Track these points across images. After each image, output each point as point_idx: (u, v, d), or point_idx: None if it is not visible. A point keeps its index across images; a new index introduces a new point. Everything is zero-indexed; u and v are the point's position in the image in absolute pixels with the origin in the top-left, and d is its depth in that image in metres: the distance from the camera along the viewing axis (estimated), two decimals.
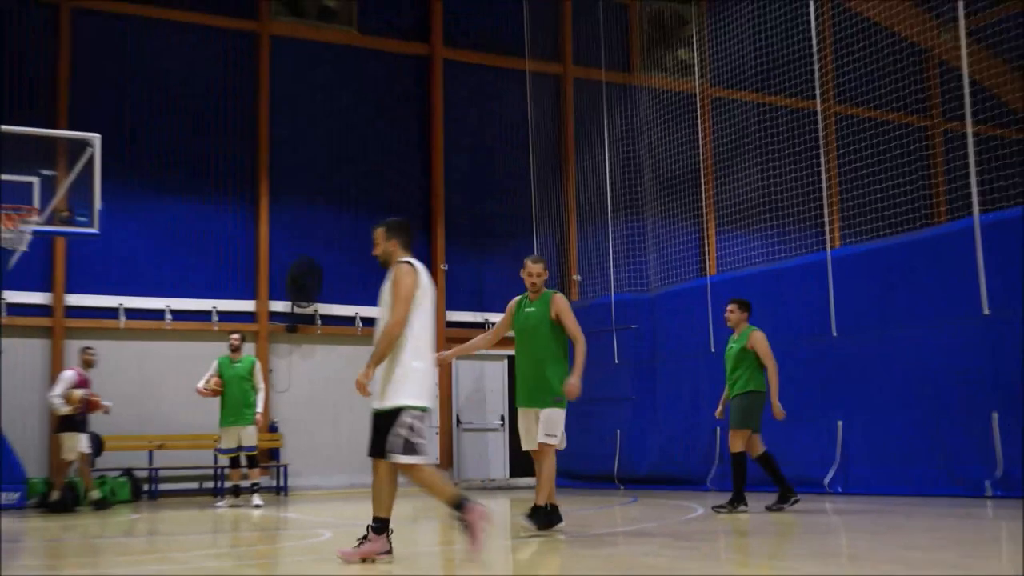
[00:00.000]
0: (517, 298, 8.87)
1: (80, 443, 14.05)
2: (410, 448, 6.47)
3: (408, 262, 6.79)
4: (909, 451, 12.74)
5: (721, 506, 10.77)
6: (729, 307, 11.09)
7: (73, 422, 14.05)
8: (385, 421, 6.56)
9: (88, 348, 14.73)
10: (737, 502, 10.63)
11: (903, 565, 6.18)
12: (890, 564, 6.29)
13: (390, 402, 6.56)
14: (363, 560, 6.57)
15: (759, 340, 10.76)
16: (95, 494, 14.17)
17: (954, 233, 12.86)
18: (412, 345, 6.61)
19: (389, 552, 6.66)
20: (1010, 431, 11.70)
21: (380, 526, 6.65)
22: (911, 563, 6.27)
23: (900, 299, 13.17)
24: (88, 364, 14.42)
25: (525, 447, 8.67)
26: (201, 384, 14.26)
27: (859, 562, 6.65)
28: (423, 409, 6.60)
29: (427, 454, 6.57)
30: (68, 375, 14.12)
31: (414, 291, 6.64)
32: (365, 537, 6.64)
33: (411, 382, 6.57)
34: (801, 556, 7.12)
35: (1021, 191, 13.95)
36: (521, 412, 8.66)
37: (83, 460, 14.24)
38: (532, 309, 8.65)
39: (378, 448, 6.57)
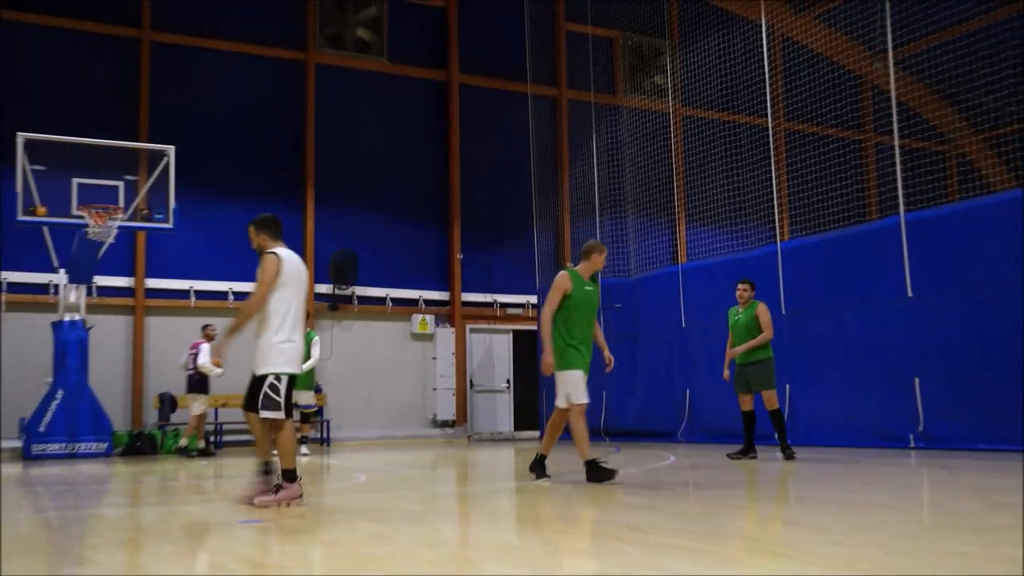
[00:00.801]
0: (567, 273, 8.06)
1: (204, 402, 14.26)
2: (272, 405, 6.44)
3: (274, 252, 6.64)
4: (846, 410, 12.73)
5: (740, 453, 10.49)
6: (743, 286, 10.71)
7: (202, 384, 14.13)
8: (257, 384, 6.53)
9: (209, 325, 14.68)
10: (787, 448, 10.26)
11: (838, 505, 6.15)
12: (829, 504, 6.26)
13: (260, 370, 6.52)
14: (278, 505, 6.35)
15: (764, 311, 10.49)
16: (183, 441, 14.27)
17: (883, 228, 12.80)
18: (276, 323, 6.52)
19: (301, 496, 6.49)
20: (929, 393, 11.69)
21: (290, 475, 6.50)
22: (846, 504, 6.24)
23: (839, 283, 13.13)
24: (209, 338, 14.39)
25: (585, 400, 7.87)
26: None
27: (805, 503, 6.62)
28: (288, 375, 6.53)
29: (286, 411, 6.49)
30: (206, 346, 14.13)
31: (275, 277, 6.52)
32: (279, 486, 6.47)
33: (276, 353, 6.50)
34: (756, 498, 7.09)
35: (939, 193, 13.88)
36: (582, 376, 7.88)
37: (202, 417, 14.41)
38: (592, 288, 8.09)
39: (251, 404, 6.58)
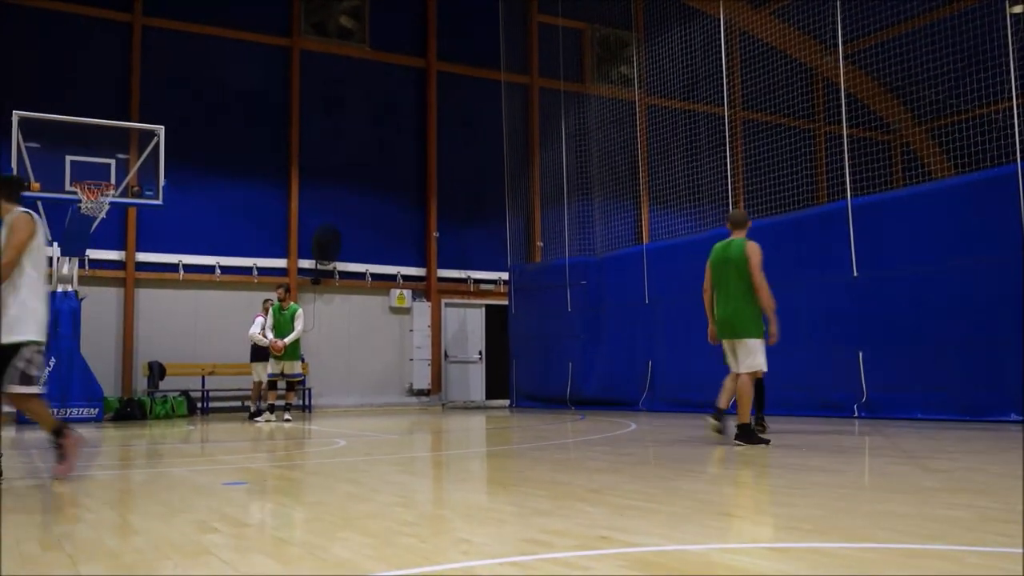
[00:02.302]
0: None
1: (267, 369, 14.16)
2: (26, 379, 5.55)
3: (28, 212, 5.68)
4: (795, 381, 12.82)
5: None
6: None
7: (263, 353, 14.07)
8: (4, 354, 5.53)
9: (268, 300, 14.60)
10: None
11: (785, 469, 6.22)
12: (776, 468, 6.32)
13: (12, 337, 5.51)
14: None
15: None
16: (253, 407, 14.40)
17: (832, 212, 12.89)
18: (30, 286, 5.60)
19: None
20: (871, 366, 11.82)
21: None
22: (792, 468, 6.31)
23: (789, 263, 13.20)
24: (266, 311, 14.29)
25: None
26: (273, 338, 13.65)
27: (755, 467, 6.68)
28: (40, 343, 5.64)
29: (40, 385, 5.66)
30: (259, 319, 14.12)
31: (28, 240, 5.59)
32: (62, 449, 5.77)
33: (31, 320, 5.59)
34: (709, 462, 7.15)
35: (884, 180, 14.00)
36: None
37: (260, 383, 14.45)
38: None
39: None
